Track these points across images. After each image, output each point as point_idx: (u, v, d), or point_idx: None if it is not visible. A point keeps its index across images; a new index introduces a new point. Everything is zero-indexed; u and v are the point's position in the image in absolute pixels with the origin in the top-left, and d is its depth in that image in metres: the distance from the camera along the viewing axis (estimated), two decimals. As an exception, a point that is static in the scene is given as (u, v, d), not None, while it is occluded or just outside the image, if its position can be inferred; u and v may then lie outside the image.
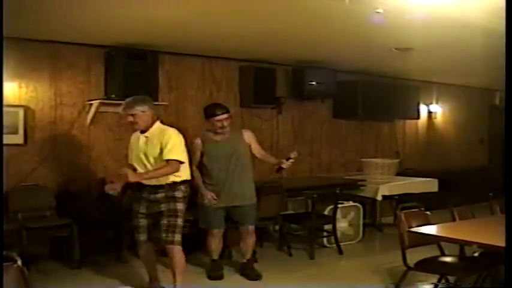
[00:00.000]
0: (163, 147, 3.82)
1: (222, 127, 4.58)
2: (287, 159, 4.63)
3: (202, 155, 4.66)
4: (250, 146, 4.75)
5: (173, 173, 3.82)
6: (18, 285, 2.35)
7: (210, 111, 4.62)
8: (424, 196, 6.25)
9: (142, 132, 3.95)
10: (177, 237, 3.95)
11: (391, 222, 6.53)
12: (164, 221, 3.91)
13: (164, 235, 3.91)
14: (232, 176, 4.62)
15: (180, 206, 3.95)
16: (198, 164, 4.67)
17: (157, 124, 4.00)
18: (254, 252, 5.27)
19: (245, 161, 4.70)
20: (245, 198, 4.68)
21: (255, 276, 4.76)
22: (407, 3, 3.75)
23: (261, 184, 5.24)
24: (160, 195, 3.91)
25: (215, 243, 4.80)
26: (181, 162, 3.86)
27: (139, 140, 3.97)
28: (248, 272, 4.82)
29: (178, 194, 3.95)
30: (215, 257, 4.86)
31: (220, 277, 4.78)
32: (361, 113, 7.37)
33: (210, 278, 4.78)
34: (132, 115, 3.88)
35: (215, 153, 4.63)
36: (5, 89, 4.90)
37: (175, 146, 3.84)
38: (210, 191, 4.61)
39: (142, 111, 3.88)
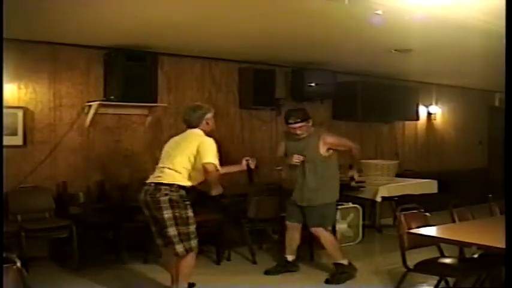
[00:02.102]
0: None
1: (296, 134, 4.68)
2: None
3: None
4: (331, 149, 4.72)
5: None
6: (17, 287, 2.34)
7: (285, 117, 4.76)
8: (423, 197, 6.24)
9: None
10: (179, 247, 3.75)
11: (391, 224, 6.53)
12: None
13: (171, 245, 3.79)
14: (304, 176, 4.71)
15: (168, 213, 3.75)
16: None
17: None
18: (253, 254, 5.28)
19: (320, 162, 4.69)
20: (312, 199, 4.74)
21: (336, 280, 4.73)
22: (406, 5, 3.75)
23: (260, 186, 5.24)
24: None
25: (289, 237, 4.91)
26: None
27: None
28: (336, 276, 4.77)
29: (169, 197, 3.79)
30: (287, 254, 4.92)
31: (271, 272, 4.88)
32: (360, 115, 7.37)
33: (266, 273, 4.88)
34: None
35: (292, 152, 4.76)
36: (5, 91, 4.90)
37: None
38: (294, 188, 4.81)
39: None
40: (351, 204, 6.29)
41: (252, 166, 4.18)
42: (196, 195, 5.58)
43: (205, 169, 3.73)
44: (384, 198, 6.57)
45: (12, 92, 5.12)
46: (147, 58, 5.58)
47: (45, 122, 5.35)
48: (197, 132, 3.96)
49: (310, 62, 6.61)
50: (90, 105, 5.49)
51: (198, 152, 3.77)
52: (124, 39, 5.15)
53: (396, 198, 6.60)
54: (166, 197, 3.68)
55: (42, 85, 5.31)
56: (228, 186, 5.41)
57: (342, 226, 6.12)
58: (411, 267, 3.88)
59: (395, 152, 8.38)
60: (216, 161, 3.76)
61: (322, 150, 4.68)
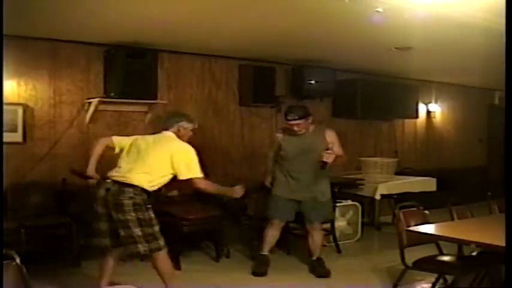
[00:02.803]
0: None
1: (293, 130, 4.71)
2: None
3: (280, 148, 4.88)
4: (331, 145, 4.68)
5: None
6: (16, 283, 2.35)
7: (285, 113, 4.78)
8: (422, 195, 6.25)
9: None
10: (141, 246, 3.61)
11: (390, 221, 6.55)
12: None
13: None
14: (302, 172, 4.73)
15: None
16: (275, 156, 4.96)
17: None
18: (252, 251, 5.28)
19: (316, 157, 4.65)
20: (313, 194, 4.79)
21: (324, 274, 4.83)
22: (407, 3, 3.75)
23: (259, 183, 5.24)
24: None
25: (271, 234, 4.92)
26: None
27: None
28: (318, 269, 4.88)
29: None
30: (265, 251, 4.93)
31: (263, 274, 4.82)
32: (360, 112, 7.37)
33: (254, 274, 4.82)
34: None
35: (289, 148, 4.79)
36: (4, 87, 4.90)
37: None
38: (282, 182, 4.84)
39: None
40: (350, 202, 6.30)
41: (239, 195, 3.99)
42: (194, 192, 5.62)
43: (194, 183, 3.71)
44: (383, 195, 6.58)
45: (12, 88, 5.11)
46: (147, 55, 5.58)
47: (45, 119, 5.35)
48: (170, 135, 3.85)
49: (310, 59, 6.61)
50: (90, 102, 5.50)
51: (173, 160, 3.63)
52: (124, 36, 5.15)
53: (395, 196, 6.61)
54: (131, 201, 3.54)
55: (42, 82, 5.31)
56: (228, 183, 5.43)
57: (341, 223, 6.13)
58: (410, 264, 3.89)
59: (394, 150, 8.39)
60: (201, 173, 3.70)
61: (326, 144, 4.68)
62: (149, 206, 3.63)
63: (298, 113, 4.67)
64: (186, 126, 3.84)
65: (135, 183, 3.57)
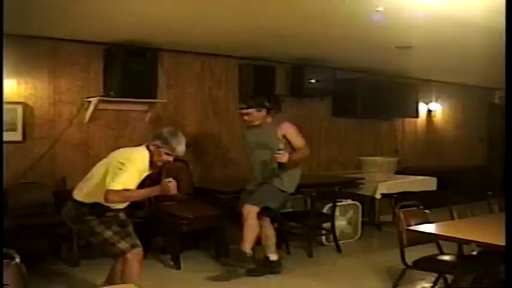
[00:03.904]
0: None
1: (245, 121, 4.67)
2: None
3: None
4: (286, 138, 4.60)
5: None
6: (16, 282, 2.35)
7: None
8: (422, 194, 6.24)
9: None
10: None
11: (390, 221, 6.53)
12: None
13: None
14: (261, 165, 4.67)
15: None
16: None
17: None
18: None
19: (272, 151, 4.56)
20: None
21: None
22: (407, 2, 3.74)
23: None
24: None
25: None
26: None
27: None
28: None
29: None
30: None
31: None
32: (360, 111, 7.37)
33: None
34: None
35: (248, 140, 4.79)
36: (4, 86, 4.89)
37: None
38: (250, 175, 4.84)
39: None
40: (350, 201, 6.29)
41: (171, 191, 3.47)
42: (194, 191, 5.62)
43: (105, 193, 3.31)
44: (383, 195, 6.57)
45: (12, 87, 5.11)
46: (147, 54, 5.57)
47: (45, 118, 5.34)
48: (138, 148, 3.58)
49: (310, 58, 6.61)
50: (89, 101, 5.49)
51: (108, 169, 3.44)
52: (124, 34, 5.14)
53: (395, 195, 6.60)
54: (68, 214, 3.62)
55: (41, 81, 5.30)
56: (227, 182, 5.44)
57: (341, 223, 6.13)
58: (410, 264, 3.88)
59: (395, 149, 8.39)
60: (119, 186, 3.28)
61: (278, 138, 4.57)
62: (89, 217, 3.48)
63: (248, 103, 4.61)
64: (160, 146, 3.50)
65: (74, 197, 3.56)
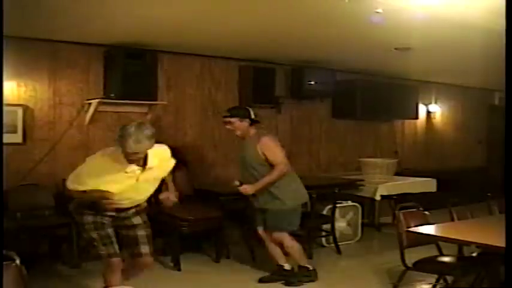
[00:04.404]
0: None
1: (230, 130, 4.64)
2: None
3: None
4: (264, 154, 4.46)
5: None
6: (16, 284, 2.35)
7: None
8: (422, 196, 6.25)
9: None
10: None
11: (390, 222, 6.54)
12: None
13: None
14: (247, 179, 4.56)
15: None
16: None
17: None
18: (252, 252, 5.26)
19: (254, 166, 4.50)
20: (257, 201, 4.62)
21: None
22: (406, 3, 3.75)
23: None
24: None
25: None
26: None
27: None
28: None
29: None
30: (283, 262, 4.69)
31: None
32: (360, 113, 7.37)
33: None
34: None
35: (239, 153, 4.73)
36: (4, 88, 4.89)
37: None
38: None
39: None
40: (350, 203, 6.29)
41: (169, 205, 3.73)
42: (194, 193, 5.61)
43: None
44: (383, 196, 6.58)
45: (12, 89, 5.11)
46: (147, 56, 5.57)
47: (45, 120, 5.35)
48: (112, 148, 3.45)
49: (310, 60, 6.61)
50: (89, 103, 5.49)
51: None
52: (124, 36, 5.15)
53: (395, 197, 6.60)
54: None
55: (42, 83, 5.31)
56: (227, 184, 5.43)
57: (341, 224, 6.13)
58: (410, 265, 3.89)
59: (394, 151, 8.39)
60: (69, 183, 3.38)
61: (258, 154, 4.46)
62: (86, 211, 3.49)
63: (232, 111, 4.61)
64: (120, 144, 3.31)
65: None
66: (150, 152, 3.34)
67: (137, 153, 3.23)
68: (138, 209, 3.58)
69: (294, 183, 4.64)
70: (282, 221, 4.56)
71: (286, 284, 4.59)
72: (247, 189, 4.48)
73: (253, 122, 4.58)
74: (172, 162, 3.65)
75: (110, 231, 3.51)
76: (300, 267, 4.67)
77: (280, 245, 4.64)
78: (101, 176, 3.29)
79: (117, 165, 3.30)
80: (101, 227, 3.48)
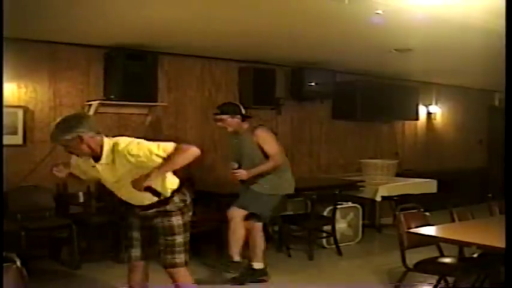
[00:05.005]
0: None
1: (219, 126, 4.64)
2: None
3: None
4: (260, 146, 4.53)
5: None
6: (17, 286, 2.34)
7: None
8: (423, 197, 6.25)
9: None
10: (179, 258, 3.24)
11: (390, 223, 6.53)
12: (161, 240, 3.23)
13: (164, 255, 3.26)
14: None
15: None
16: None
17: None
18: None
19: (253, 158, 4.55)
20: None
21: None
22: (406, 5, 3.75)
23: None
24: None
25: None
26: None
27: None
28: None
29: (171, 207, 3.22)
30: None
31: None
32: (360, 114, 7.37)
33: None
34: None
35: (230, 148, 4.75)
36: (5, 90, 4.90)
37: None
38: None
39: None
40: (350, 204, 6.29)
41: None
42: (195, 194, 5.61)
43: None
44: (383, 197, 6.58)
45: (12, 91, 5.12)
46: (147, 57, 5.58)
47: (45, 121, 5.34)
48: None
49: (310, 61, 6.61)
50: (90, 105, 5.49)
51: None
52: (124, 38, 5.15)
53: (396, 198, 6.61)
54: None
55: (42, 84, 5.31)
56: (228, 185, 5.43)
57: (341, 226, 6.13)
58: (411, 266, 3.88)
59: (395, 152, 8.38)
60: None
61: (255, 146, 4.52)
62: (127, 213, 3.40)
63: (222, 108, 4.60)
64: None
65: None
66: (106, 148, 3.18)
67: (63, 146, 3.13)
68: (160, 210, 3.20)
69: (285, 173, 4.72)
70: (253, 202, 4.56)
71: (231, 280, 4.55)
72: (243, 173, 4.49)
73: (244, 118, 4.60)
74: (132, 152, 3.12)
75: (133, 233, 3.34)
76: (249, 265, 4.63)
77: (247, 236, 4.59)
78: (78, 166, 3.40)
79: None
80: (127, 228, 3.38)
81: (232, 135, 4.67)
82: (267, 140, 4.55)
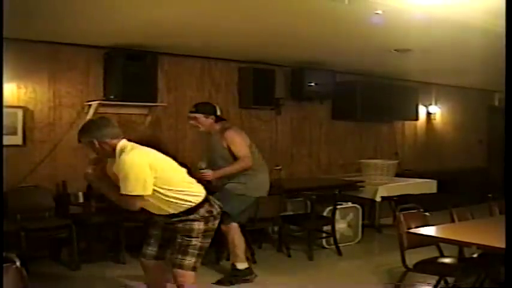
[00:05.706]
0: None
1: (191, 124, 4.65)
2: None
3: None
4: (228, 147, 4.53)
5: None
6: (17, 286, 2.34)
7: None
8: (423, 197, 6.25)
9: None
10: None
11: (390, 223, 6.53)
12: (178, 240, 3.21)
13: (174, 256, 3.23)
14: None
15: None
16: None
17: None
18: (252, 254, 5.27)
19: (219, 158, 4.58)
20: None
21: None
22: (406, 5, 3.76)
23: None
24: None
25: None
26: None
27: None
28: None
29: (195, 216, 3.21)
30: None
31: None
32: (360, 114, 7.37)
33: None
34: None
35: (204, 148, 4.76)
36: (4, 90, 4.89)
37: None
38: None
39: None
40: (350, 204, 6.29)
41: None
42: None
43: None
44: (383, 197, 6.58)
45: (12, 91, 5.11)
46: (147, 58, 5.58)
47: (45, 122, 5.35)
48: None
49: (310, 61, 6.62)
50: (90, 105, 5.49)
51: None
52: (124, 38, 5.15)
53: (396, 198, 6.61)
54: None
55: (41, 84, 5.31)
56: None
57: (341, 226, 6.12)
58: (410, 266, 3.88)
59: (394, 152, 8.38)
60: None
61: (223, 147, 4.53)
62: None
63: (197, 107, 4.60)
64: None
65: None
66: (116, 152, 3.19)
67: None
68: (183, 219, 3.19)
69: (259, 175, 4.72)
70: (226, 202, 4.33)
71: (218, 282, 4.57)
72: (209, 174, 4.47)
73: (218, 119, 4.60)
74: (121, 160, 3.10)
75: (152, 231, 3.38)
76: (233, 265, 4.62)
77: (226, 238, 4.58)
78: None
79: None
80: (150, 225, 3.42)
81: (205, 135, 4.69)
82: (235, 142, 4.54)
